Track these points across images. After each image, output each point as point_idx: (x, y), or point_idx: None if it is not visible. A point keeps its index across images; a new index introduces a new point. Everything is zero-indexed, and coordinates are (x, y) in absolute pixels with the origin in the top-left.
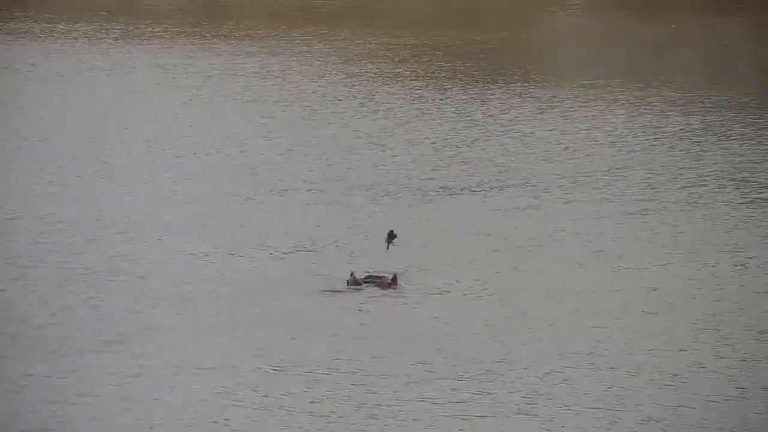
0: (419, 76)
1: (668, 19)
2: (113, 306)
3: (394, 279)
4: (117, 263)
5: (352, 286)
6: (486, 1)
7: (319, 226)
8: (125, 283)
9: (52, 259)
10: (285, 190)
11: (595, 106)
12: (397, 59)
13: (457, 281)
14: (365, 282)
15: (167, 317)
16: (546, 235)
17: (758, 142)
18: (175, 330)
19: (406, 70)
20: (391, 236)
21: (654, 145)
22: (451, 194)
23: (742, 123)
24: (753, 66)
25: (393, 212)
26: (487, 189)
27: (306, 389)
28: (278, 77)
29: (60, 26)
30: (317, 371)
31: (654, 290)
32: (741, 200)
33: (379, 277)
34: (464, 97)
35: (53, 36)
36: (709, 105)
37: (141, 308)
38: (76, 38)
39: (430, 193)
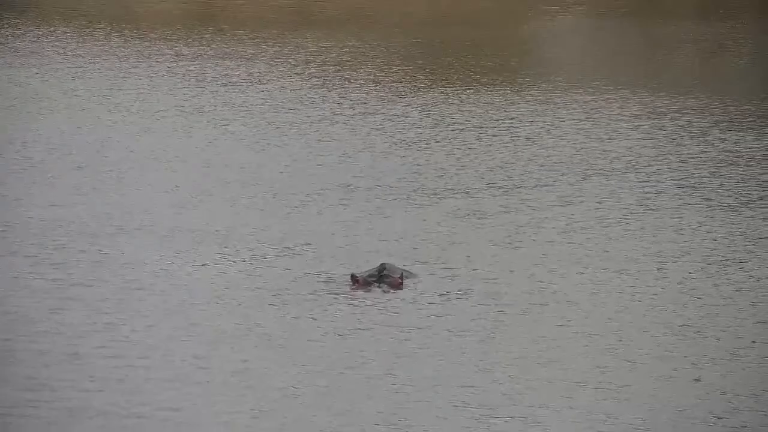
0: (400, 80)
1: (658, 22)
2: (92, 314)
3: (401, 278)
4: (98, 267)
5: (363, 288)
6: (475, 3)
7: (301, 229)
8: (107, 290)
9: (32, 264)
10: (263, 194)
11: (564, 110)
12: (376, 62)
13: (449, 287)
14: (374, 281)
15: (155, 327)
16: (517, 240)
17: (721, 150)
18: (166, 340)
19: (385, 73)
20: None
21: (619, 152)
22: (431, 196)
23: (708, 130)
24: (735, 72)
25: (377, 214)
26: (458, 191)
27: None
28: (253, 82)
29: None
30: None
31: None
32: (695, 207)
33: (388, 277)
34: (438, 100)
35: (22, 41)
36: (680, 111)
37: (128, 316)
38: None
39: (411, 195)
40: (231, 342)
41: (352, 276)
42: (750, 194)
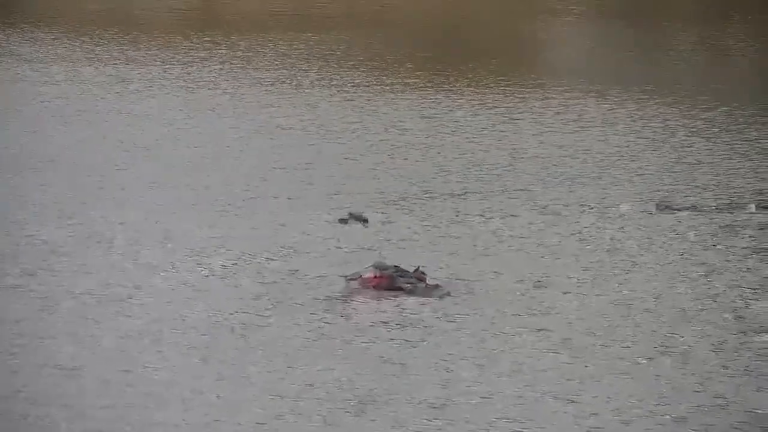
0: (359, 85)
1: (648, 25)
2: (79, 322)
3: (423, 272)
4: (78, 275)
5: (387, 283)
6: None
7: (267, 236)
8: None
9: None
10: (253, 198)
11: (533, 115)
12: (365, 66)
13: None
14: (401, 276)
15: (134, 340)
16: (485, 247)
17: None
18: (146, 353)
19: (370, 78)
20: (359, 219)
21: (579, 159)
22: (418, 201)
23: (666, 136)
24: (716, 76)
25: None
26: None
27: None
28: (235, 88)
29: None
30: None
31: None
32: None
33: (407, 271)
34: (395, 106)
35: None
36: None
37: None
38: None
39: (397, 200)
40: (217, 353)
41: (375, 269)
42: (711, 201)
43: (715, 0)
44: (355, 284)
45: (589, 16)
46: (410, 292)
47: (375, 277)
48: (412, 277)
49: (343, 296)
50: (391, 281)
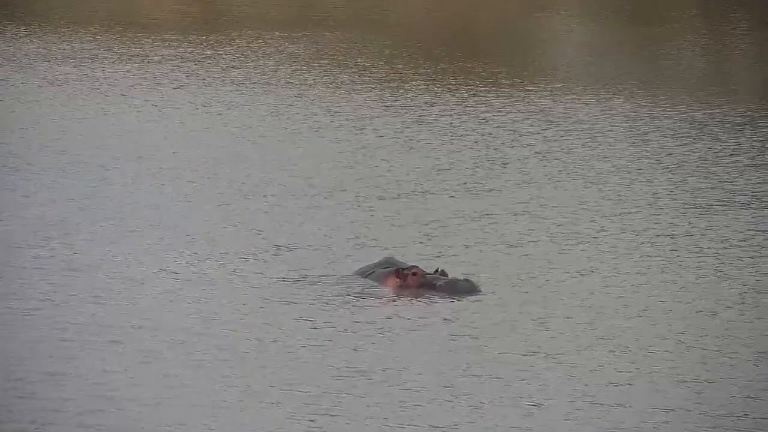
0: (381, 82)
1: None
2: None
3: (445, 273)
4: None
5: (416, 286)
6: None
7: (268, 232)
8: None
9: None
10: (237, 195)
11: (532, 114)
12: (366, 63)
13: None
14: (427, 274)
15: (159, 334)
16: (500, 244)
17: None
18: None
19: (371, 75)
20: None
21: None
22: (393, 199)
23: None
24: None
25: (342, 217)
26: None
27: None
28: (248, 87)
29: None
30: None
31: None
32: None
33: (425, 271)
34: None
35: None
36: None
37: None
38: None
39: (372, 197)
40: (219, 356)
41: (398, 272)
42: (696, 202)
43: (716, 1)
44: (373, 282)
45: (581, 16)
46: (450, 290)
47: (399, 275)
48: (437, 276)
49: (357, 296)
50: (426, 279)
